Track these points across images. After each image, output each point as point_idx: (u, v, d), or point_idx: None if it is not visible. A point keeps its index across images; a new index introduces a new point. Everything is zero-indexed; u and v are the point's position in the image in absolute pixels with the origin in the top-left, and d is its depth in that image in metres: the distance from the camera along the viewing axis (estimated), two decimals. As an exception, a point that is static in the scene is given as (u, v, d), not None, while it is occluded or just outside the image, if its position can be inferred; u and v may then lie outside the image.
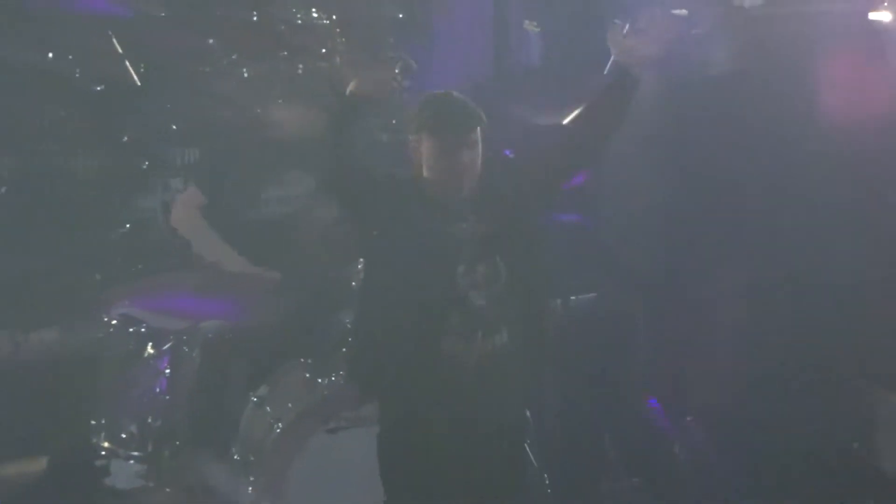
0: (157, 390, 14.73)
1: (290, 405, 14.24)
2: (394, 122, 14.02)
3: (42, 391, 15.23)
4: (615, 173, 15.40)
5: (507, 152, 14.09)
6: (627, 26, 12.70)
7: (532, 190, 12.57)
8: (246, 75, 15.55)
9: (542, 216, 12.99)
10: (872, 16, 15.06)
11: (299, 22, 15.70)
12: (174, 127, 15.42)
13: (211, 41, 15.73)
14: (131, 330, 14.85)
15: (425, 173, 12.18)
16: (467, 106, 12.28)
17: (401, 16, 16.08)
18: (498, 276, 12.22)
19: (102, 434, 14.82)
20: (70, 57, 15.92)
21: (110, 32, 15.84)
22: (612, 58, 12.90)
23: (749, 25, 15.24)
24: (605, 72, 13.22)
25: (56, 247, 15.75)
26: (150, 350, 14.79)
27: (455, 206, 12.15)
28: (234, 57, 15.88)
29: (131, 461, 14.75)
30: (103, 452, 14.80)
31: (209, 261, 14.87)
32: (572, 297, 14.79)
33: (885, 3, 15.11)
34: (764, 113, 15.10)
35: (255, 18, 15.78)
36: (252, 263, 14.86)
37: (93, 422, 14.84)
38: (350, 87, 12.07)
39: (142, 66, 15.84)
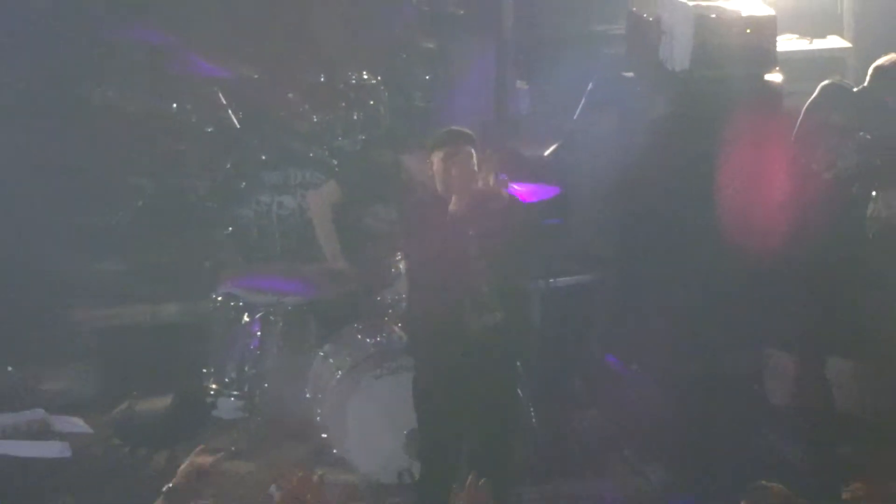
0: (251, 347, 14.75)
1: (346, 358, 14.29)
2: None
3: (170, 348, 15.31)
4: (584, 188, 15.39)
5: (503, 175, 14.11)
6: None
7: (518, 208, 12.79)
8: (315, 120, 15.58)
9: (526, 224, 13.07)
10: (767, 77, 15.09)
11: (353, 81, 15.68)
12: (263, 157, 15.42)
13: (290, 95, 15.73)
14: (232, 304, 14.89)
15: (439, 186, 12.30)
16: (462, 130, 12.55)
17: (427, 77, 16.01)
18: (495, 270, 12.35)
19: (212, 379, 14.86)
20: (188, 106, 15.98)
21: (216, 89, 15.86)
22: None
23: (677, 83, 15.21)
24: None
25: (179, 244, 15.88)
26: (245, 318, 14.85)
27: (463, 217, 12.23)
28: (306, 106, 15.86)
29: (232, 398, 14.76)
30: (212, 392, 14.85)
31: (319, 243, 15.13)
32: (551, 280, 14.73)
33: (777, 68, 15.14)
34: (687, 144, 15.12)
35: (322, 79, 15.81)
36: (336, 252, 14.96)
37: (205, 370, 14.89)
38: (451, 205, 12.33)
39: (240, 112, 15.86)
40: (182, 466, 10.74)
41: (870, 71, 14.44)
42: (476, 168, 12.46)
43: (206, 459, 10.46)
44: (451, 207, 12.28)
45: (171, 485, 10.65)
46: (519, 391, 13.61)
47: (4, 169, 15.05)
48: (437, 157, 12.44)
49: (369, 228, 14.34)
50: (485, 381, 12.62)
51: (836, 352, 14.76)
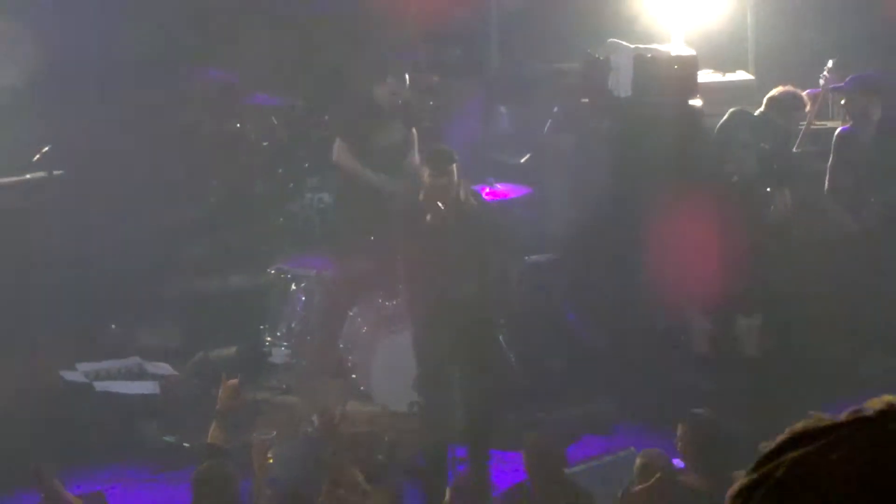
0: (297, 309, 14.80)
1: (370, 318, 14.34)
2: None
3: (236, 310, 15.36)
4: (550, 188, 15.41)
5: (490, 178, 14.18)
6: None
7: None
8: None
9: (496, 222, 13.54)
10: (690, 102, 15.10)
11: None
12: (306, 165, 15.44)
13: (326, 118, 15.72)
14: (283, 276, 14.93)
15: (423, 195, 12.50)
16: (444, 152, 12.74)
17: (432, 104, 15.94)
18: (474, 256, 12.54)
19: (267, 333, 14.89)
20: (248, 126, 15.99)
21: (271, 114, 15.89)
22: None
23: (621, 107, 15.23)
24: None
25: (244, 231, 15.90)
26: (293, 287, 14.88)
27: (446, 219, 12.30)
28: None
29: (283, 348, 14.80)
30: (268, 343, 14.88)
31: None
32: (526, 257, 14.79)
33: (697, 95, 15.16)
34: (628, 153, 15.16)
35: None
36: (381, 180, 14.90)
37: (262, 326, 14.93)
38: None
39: (287, 131, 15.88)
40: (220, 393, 10.95)
41: (765, 99, 14.51)
42: (452, 180, 12.49)
43: (234, 382, 10.64)
44: (428, 219, 12.38)
45: (217, 407, 10.82)
46: (501, 340, 13.77)
47: (120, 176, 15.09)
48: (425, 173, 12.56)
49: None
50: (469, 335, 12.68)
51: (744, 310, 14.81)
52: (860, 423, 1.94)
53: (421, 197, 12.68)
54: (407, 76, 14.72)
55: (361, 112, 14.93)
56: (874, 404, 1.97)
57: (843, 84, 14.48)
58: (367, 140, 14.80)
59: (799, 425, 1.99)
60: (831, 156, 14.70)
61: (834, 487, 1.88)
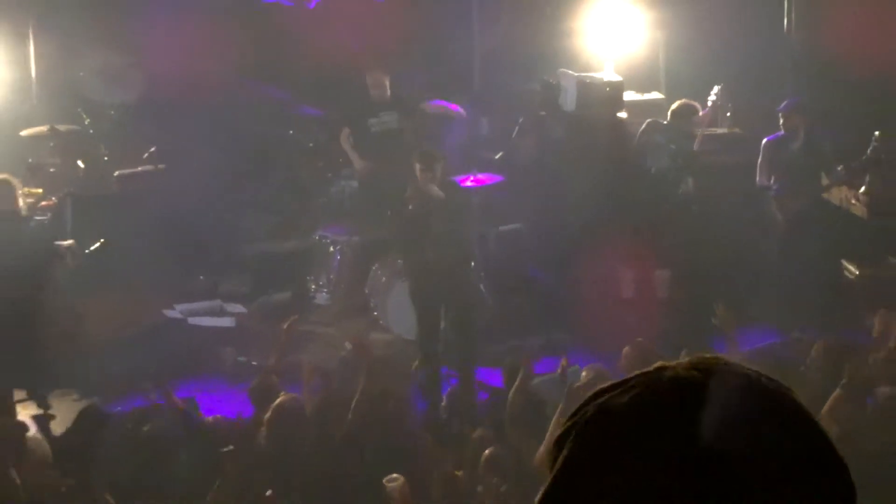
0: (334, 265, 14.79)
1: (388, 271, 14.26)
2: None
3: (290, 265, 15.35)
4: (517, 177, 15.30)
5: (466, 176, 14.13)
6: None
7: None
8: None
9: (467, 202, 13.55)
10: (618, 115, 15.07)
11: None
12: (340, 160, 15.32)
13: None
14: (324, 241, 14.92)
15: (417, 185, 12.52)
16: (435, 151, 12.76)
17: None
18: (454, 225, 12.50)
19: (312, 282, 14.93)
20: (297, 131, 15.88)
21: (314, 124, 15.85)
22: None
23: (569, 118, 15.21)
24: None
25: (295, 208, 15.87)
26: (331, 249, 14.85)
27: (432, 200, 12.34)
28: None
29: (324, 293, 14.82)
30: (313, 289, 14.92)
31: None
32: (500, 227, 14.81)
33: (623, 110, 15.17)
34: (573, 152, 15.13)
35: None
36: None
37: (309, 277, 14.94)
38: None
39: (324, 135, 15.83)
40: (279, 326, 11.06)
41: (669, 111, 14.45)
42: (436, 173, 12.49)
43: (291, 320, 10.70)
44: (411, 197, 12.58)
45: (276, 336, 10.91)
46: (482, 287, 13.78)
47: (207, 168, 15.07)
48: (417, 167, 12.51)
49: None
50: (449, 282, 12.65)
51: (659, 265, 14.82)
52: (647, 374, 1.80)
53: (413, 184, 12.79)
54: (387, 80, 14.71)
55: (356, 106, 14.99)
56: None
57: (782, 106, 14.36)
58: (363, 127, 14.79)
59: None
60: (760, 158, 14.55)
61: (623, 423, 1.75)
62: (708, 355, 1.79)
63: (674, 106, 14.59)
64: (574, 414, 1.80)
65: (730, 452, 1.66)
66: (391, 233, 14.07)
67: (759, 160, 14.58)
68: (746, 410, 1.71)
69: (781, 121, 14.39)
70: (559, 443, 1.78)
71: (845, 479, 1.72)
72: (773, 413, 1.73)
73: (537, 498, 1.78)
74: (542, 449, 9.59)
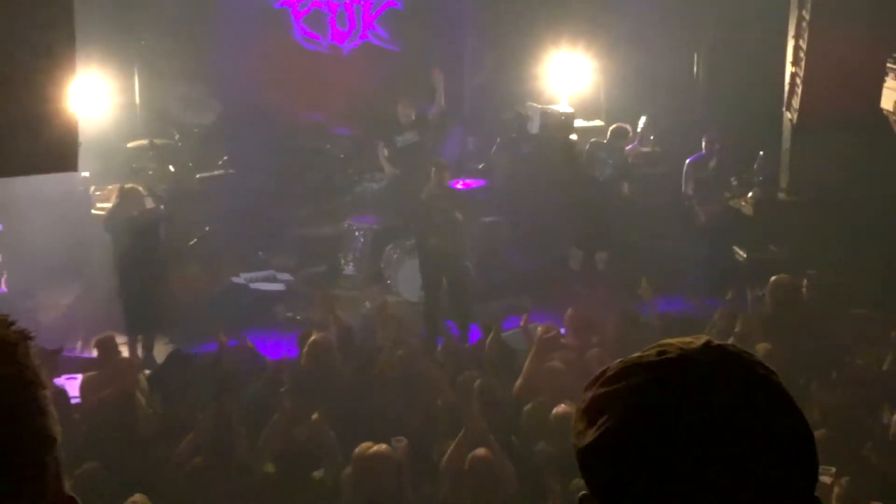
0: (359, 245, 14.70)
1: (399, 250, 14.29)
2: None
3: (326, 244, 15.22)
4: (496, 182, 15.25)
5: (457, 181, 14.17)
6: None
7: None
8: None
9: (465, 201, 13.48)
10: (570, 137, 15.12)
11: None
12: (364, 167, 15.25)
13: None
14: (352, 227, 14.84)
15: (430, 189, 12.57)
16: (441, 161, 12.96)
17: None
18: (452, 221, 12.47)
19: (342, 258, 14.91)
20: (332, 145, 15.86)
21: (346, 140, 15.83)
22: None
23: (534, 138, 15.19)
24: None
25: (330, 203, 15.63)
26: (356, 233, 14.77)
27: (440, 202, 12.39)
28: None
29: (350, 266, 14.75)
30: (343, 262, 14.92)
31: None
32: (483, 219, 14.75)
33: (574, 134, 15.18)
34: (538, 165, 15.18)
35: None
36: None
37: (339, 254, 14.95)
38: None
39: (353, 149, 15.79)
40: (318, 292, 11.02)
41: (608, 132, 14.52)
42: (444, 180, 12.66)
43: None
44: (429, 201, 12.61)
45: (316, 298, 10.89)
46: (468, 264, 13.81)
47: (264, 172, 15.05)
48: (433, 171, 12.68)
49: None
50: (449, 259, 12.76)
51: (600, 248, 14.89)
52: (642, 367, 1.62)
53: (428, 187, 12.84)
54: (412, 109, 14.70)
55: (386, 127, 14.89)
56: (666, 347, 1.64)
57: (707, 134, 14.47)
58: (393, 142, 14.74)
59: (616, 363, 1.67)
60: (685, 173, 14.53)
61: (619, 411, 1.58)
62: (718, 341, 1.65)
63: (611, 127, 14.68)
64: (614, 376, 1.63)
65: (733, 421, 1.54)
66: (408, 222, 13.99)
67: (685, 175, 14.57)
68: (746, 388, 1.59)
69: (704, 144, 14.48)
70: (599, 401, 1.63)
71: (812, 447, 1.60)
72: (765, 390, 1.60)
73: (579, 446, 1.63)
74: (518, 383, 9.76)
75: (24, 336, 1.59)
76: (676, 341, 1.64)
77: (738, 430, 1.54)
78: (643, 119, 15.67)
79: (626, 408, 1.58)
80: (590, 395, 1.65)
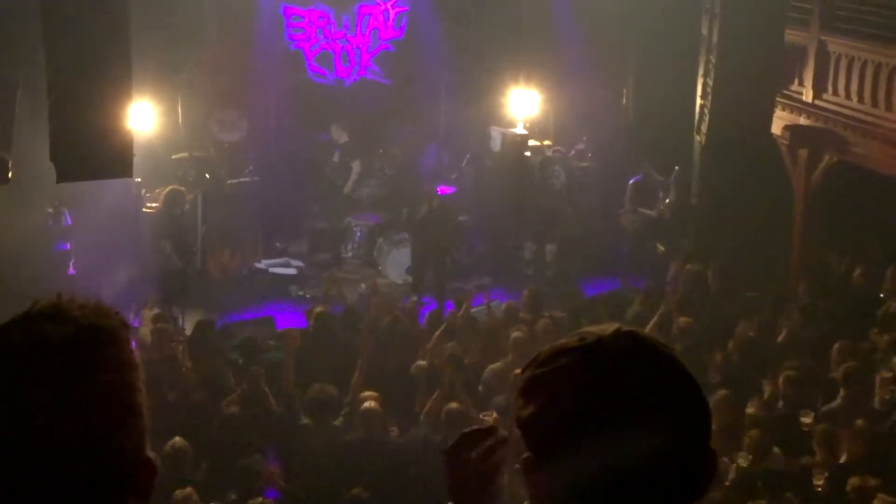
0: (357, 237, 14.63)
1: (390, 241, 14.21)
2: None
3: (331, 237, 15.04)
4: (465, 189, 15.18)
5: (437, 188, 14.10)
6: None
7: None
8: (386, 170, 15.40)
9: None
10: (525, 153, 14.84)
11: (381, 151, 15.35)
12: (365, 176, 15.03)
13: (381, 150, 15.51)
14: (350, 223, 14.78)
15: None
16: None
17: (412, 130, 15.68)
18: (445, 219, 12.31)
19: (343, 248, 14.80)
20: (335, 159, 15.68)
21: (347, 155, 15.66)
22: None
23: (496, 155, 15.12)
24: None
25: (335, 203, 15.27)
26: (355, 228, 14.72)
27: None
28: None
29: (350, 254, 14.66)
30: (343, 251, 14.79)
31: None
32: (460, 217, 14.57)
33: (528, 150, 15.01)
34: (500, 176, 15.05)
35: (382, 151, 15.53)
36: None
37: (341, 245, 14.81)
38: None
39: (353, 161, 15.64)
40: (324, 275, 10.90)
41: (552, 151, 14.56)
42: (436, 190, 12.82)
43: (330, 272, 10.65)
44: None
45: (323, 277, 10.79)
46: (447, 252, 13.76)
47: (283, 178, 14.81)
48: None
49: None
50: (436, 250, 12.71)
51: (550, 241, 14.81)
52: (566, 352, 1.60)
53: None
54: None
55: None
56: (600, 330, 1.62)
57: (643, 161, 14.39)
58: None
59: (546, 348, 1.64)
60: (629, 191, 14.38)
61: (549, 389, 1.59)
62: (625, 328, 1.63)
63: (556, 147, 14.74)
64: (548, 359, 1.62)
65: (640, 395, 1.54)
66: (403, 220, 13.93)
67: (628, 192, 14.40)
68: (651, 366, 1.58)
69: (643, 168, 14.40)
70: (536, 380, 1.61)
71: (704, 409, 1.60)
72: (666, 367, 1.59)
73: (520, 417, 1.62)
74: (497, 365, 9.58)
75: (124, 323, 1.57)
76: (595, 328, 1.62)
77: (644, 401, 1.54)
78: (584, 139, 15.68)
79: (553, 386, 1.58)
80: (526, 375, 1.64)
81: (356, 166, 14.88)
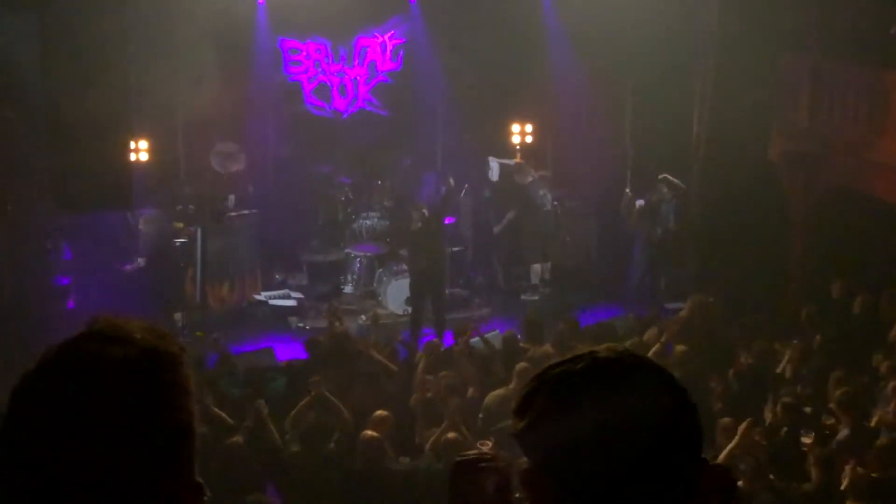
0: (356, 269, 14.57)
1: (390, 273, 14.18)
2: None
3: (331, 268, 14.94)
4: (465, 218, 15.16)
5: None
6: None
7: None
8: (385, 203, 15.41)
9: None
10: (522, 183, 14.86)
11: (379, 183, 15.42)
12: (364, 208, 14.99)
13: (379, 182, 15.56)
14: (352, 255, 14.71)
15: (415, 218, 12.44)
16: (422, 205, 12.67)
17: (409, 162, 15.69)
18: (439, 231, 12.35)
19: (343, 279, 14.76)
20: (334, 190, 15.67)
21: (347, 188, 15.65)
22: None
23: (494, 185, 15.11)
24: None
25: (335, 234, 15.28)
26: (354, 258, 14.65)
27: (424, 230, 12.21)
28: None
29: (350, 286, 14.50)
30: (343, 283, 14.74)
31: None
32: (452, 248, 14.52)
33: (525, 179, 15.03)
34: (499, 203, 15.04)
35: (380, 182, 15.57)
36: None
37: (341, 276, 14.74)
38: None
39: (353, 194, 15.65)
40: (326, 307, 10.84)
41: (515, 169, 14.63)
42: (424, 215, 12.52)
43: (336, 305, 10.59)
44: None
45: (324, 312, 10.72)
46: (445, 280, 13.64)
47: (285, 209, 14.90)
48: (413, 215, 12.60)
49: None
50: (432, 278, 12.63)
51: (534, 262, 14.78)
52: (559, 372, 1.64)
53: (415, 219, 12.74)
54: None
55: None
56: (605, 351, 1.65)
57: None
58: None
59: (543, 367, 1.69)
60: (630, 212, 14.21)
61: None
62: (620, 347, 1.67)
63: (516, 165, 14.89)
64: (540, 375, 1.67)
65: (634, 415, 1.57)
66: (404, 251, 13.88)
67: (630, 214, 14.22)
68: (643, 378, 1.62)
69: (662, 183, 14.04)
70: (530, 394, 1.66)
71: (696, 428, 1.64)
72: (658, 380, 1.63)
73: (517, 430, 1.66)
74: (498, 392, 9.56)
75: (182, 348, 1.60)
76: (586, 351, 1.66)
77: (638, 412, 1.58)
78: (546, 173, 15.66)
79: (548, 397, 1.62)
80: (522, 392, 1.68)
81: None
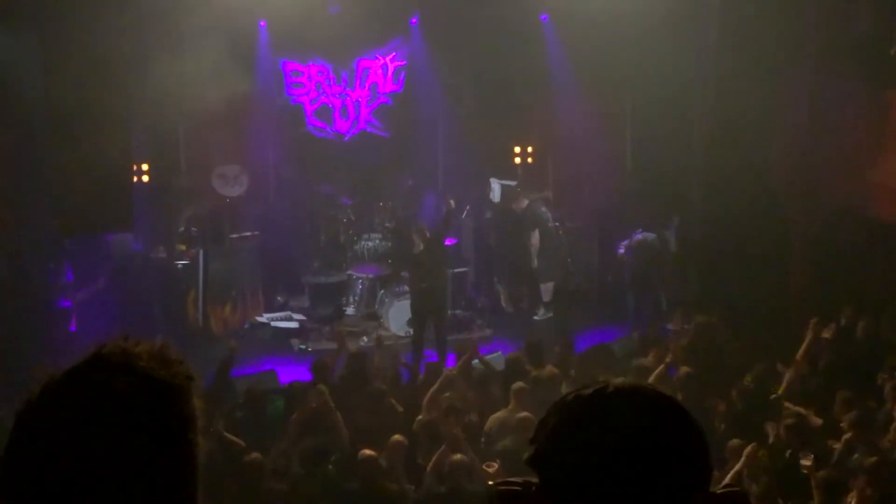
0: (358, 290, 14.57)
1: (391, 294, 14.14)
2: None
3: (333, 290, 14.86)
4: (466, 239, 15.18)
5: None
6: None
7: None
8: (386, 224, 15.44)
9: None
10: (522, 205, 14.85)
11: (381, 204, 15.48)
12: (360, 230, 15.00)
13: (381, 203, 15.48)
14: (353, 276, 14.73)
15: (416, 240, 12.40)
16: (424, 227, 12.63)
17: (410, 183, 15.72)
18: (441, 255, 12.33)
19: (345, 301, 14.74)
20: (335, 211, 15.66)
21: (349, 209, 15.67)
22: None
23: (495, 205, 15.11)
24: None
25: (336, 256, 15.25)
26: (357, 280, 14.68)
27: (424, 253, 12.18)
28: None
29: (352, 307, 14.57)
30: (346, 305, 14.70)
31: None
32: (453, 270, 14.50)
33: (525, 201, 15.00)
34: (499, 223, 15.03)
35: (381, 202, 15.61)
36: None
37: (343, 298, 14.72)
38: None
39: (354, 215, 15.65)
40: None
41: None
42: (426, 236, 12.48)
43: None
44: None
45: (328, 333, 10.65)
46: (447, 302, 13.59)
47: (286, 230, 14.91)
48: (417, 230, 12.54)
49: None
50: (434, 300, 12.56)
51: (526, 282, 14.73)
52: (568, 401, 1.70)
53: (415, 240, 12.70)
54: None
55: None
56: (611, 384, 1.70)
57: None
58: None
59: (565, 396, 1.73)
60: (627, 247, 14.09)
61: (545, 434, 1.68)
62: (631, 381, 1.72)
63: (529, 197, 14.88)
64: (556, 402, 1.72)
65: (646, 429, 1.63)
66: (405, 273, 13.77)
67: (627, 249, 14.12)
68: (652, 406, 1.66)
69: (673, 221, 14.27)
70: (544, 420, 1.71)
71: (704, 453, 1.68)
72: (666, 410, 1.67)
73: (529, 454, 1.71)
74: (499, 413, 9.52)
75: (189, 376, 1.61)
76: (591, 384, 1.72)
77: (643, 440, 1.62)
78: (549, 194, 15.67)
79: (554, 426, 1.68)
80: (539, 420, 1.74)
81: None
